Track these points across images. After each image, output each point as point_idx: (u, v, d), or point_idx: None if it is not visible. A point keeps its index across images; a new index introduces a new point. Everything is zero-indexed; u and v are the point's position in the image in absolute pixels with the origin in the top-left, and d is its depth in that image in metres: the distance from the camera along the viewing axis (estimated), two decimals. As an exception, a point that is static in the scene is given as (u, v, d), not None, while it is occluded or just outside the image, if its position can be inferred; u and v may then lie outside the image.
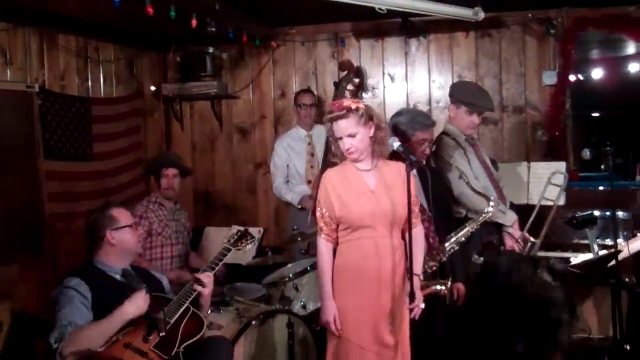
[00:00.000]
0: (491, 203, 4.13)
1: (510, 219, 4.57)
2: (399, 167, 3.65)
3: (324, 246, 3.61)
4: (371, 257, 3.54)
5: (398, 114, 4.34)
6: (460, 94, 4.74)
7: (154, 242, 4.92)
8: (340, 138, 3.54)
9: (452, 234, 4.09)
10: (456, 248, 4.09)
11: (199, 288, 3.67)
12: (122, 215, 3.74)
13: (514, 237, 4.55)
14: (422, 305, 3.60)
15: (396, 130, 4.16)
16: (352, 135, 3.52)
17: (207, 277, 3.73)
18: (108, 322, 3.37)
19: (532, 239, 4.62)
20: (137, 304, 3.42)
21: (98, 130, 5.74)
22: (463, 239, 4.10)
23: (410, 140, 4.16)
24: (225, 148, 6.79)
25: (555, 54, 6.04)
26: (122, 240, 3.69)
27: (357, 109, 3.51)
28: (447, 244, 4.06)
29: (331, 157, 4.94)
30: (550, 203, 4.93)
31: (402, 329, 3.64)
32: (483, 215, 4.12)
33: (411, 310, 3.57)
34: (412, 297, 3.51)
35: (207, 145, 6.82)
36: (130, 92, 6.32)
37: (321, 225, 3.60)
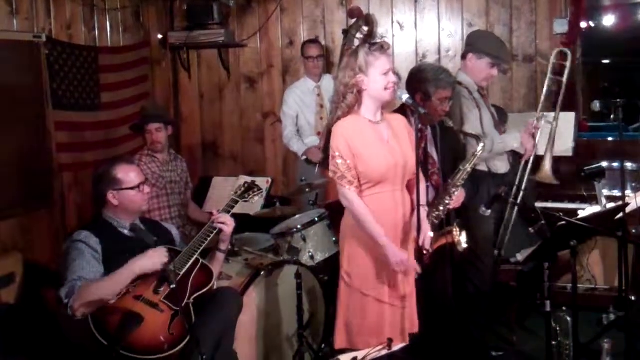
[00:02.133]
0: (481, 144, 4.12)
1: (514, 138, 4.57)
2: (400, 118, 3.66)
3: (358, 199, 3.50)
4: (389, 211, 3.54)
5: (420, 70, 4.25)
6: (485, 45, 4.61)
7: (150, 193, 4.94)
8: (386, 73, 3.46)
9: (449, 180, 4.11)
10: (455, 192, 4.11)
11: (221, 225, 3.74)
12: (126, 176, 3.69)
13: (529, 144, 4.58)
14: (431, 234, 3.61)
15: (418, 87, 4.11)
16: (394, 72, 3.51)
17: (226, 218, 3.79)
18: (120, 276, 3.41)
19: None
20: (153, 260, 3.45)
21: (105, 80, 5.71)
22: (462, 181, 4.12)
23: (432, 98, 4.11)
24: (233, 97, 6.76)
25: (567, 1, 5.94)
26: (124, 202, 3.68)
27: None
28: (451, 188, 4.09)
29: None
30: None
31: (410, 280, 3.68)
32: (475, 154, 4.13)
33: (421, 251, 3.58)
34: (418, 230, 3.51)
35: (215, 94, 6.79)
36: (137, 41, 6.27)
37: (350, 179, 3.47)
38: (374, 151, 3.49)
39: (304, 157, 5.72)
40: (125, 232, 3.71)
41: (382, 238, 3.48)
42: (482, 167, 4.51)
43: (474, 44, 4.66)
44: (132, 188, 3.69)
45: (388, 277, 3.58)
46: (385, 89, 3.47)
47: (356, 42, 5.59)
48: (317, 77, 5.88)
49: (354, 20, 5.70)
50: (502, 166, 4.64)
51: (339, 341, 3.69)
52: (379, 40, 3.64)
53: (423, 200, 3.59)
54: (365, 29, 5.85)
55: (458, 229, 4.02)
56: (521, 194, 4.69)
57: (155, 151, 5.03)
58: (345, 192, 3.51)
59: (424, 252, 3.58)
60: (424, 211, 3.60)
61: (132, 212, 3.74)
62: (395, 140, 3.57)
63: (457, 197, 4.14)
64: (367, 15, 5.98)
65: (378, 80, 3.46)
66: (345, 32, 5.69)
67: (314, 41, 6.04)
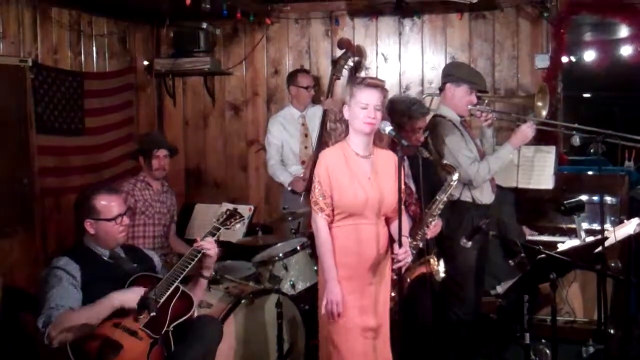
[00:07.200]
0: (455, 174, 4.17)
1: (507, 150, 4.63)
2: (390, 155, 3.68)
3: (325, 227, 3.58)
4: (359, 244, 3.57)
5: (391, 103, 4.30)
6: (461, 73, 4.71)
7: (137, 220, 4.95)
8: (365, 107, 3.49)
9: (426, 210, 4.13)
10: (432, 222, 4.15)
11: (206, 251, 3.73)
12: (105, 206, 3.66)
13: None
14: (409, 260, 3.62)
15: (391, 119, 4.15)
16: (377, 109, 3.53)
17: (210, 243, 3.77)
18: (97, 309, 3.37)
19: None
20: (130, 298, 3.41)
21: (90, 105, 5.73)
22: (438, 211, 4.16)
23: (405, 129, 4.17)
24: (217, 125, 6.78)
25: (549, 37, 6.02)
26: (100, 232, 3.66)
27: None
28: (428, 218, 4.12)
29: (327, 136, 4.96)
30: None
31: (384, 313, 3.69)
32: (450, 184, 4.16)
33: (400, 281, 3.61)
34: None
35: (199, 121, 6.81)
36: (123, 67, 6.30)
37: (322, 205, 3.55)
38: (350, 184, 3.54)
39: (290, 188, 5.72)
40: (105, 258, 3.70)
41: (330, 272, 3.55)
42: (467, 198, 4.56)
43: (450, 74, 4.75)
44: (109, 220, 3.66)
45: (361, 309, 3.59)
46: (363, 122, 3.52)
47: (344, 73, 5.66)
48: (303, 106, 5.90)
49: (342, 51, 5.75)
50: (486, 197, 4.67)
51: None
52: (372, 77, 3.70)
53: (405, 233, 3.63)
54: (354, 59, 5.92)
55: (436, 259, 4.04)
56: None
57: (156, 177, 5.07)
58: (316, 218, 3.60)
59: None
60: (406, 240, 3.63)
61: (108, 243, 3.71)
62: (375, 176, 3.60)
63: (434, 227, 4.17)
64: (358, 46, 6.06)
65: (356, 112, 3.53)
66: (335, 62, 5.74)
67: (306, 71, 6.09)
